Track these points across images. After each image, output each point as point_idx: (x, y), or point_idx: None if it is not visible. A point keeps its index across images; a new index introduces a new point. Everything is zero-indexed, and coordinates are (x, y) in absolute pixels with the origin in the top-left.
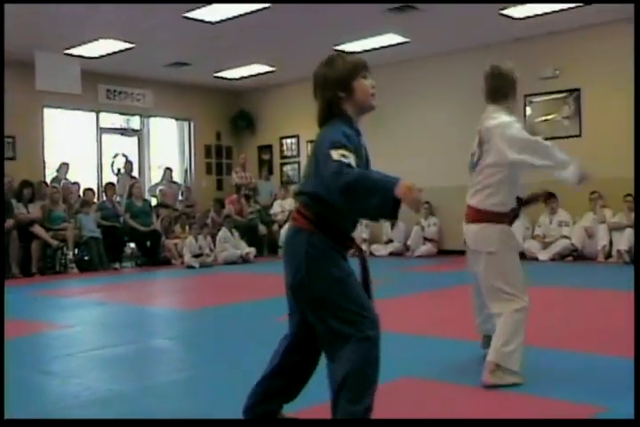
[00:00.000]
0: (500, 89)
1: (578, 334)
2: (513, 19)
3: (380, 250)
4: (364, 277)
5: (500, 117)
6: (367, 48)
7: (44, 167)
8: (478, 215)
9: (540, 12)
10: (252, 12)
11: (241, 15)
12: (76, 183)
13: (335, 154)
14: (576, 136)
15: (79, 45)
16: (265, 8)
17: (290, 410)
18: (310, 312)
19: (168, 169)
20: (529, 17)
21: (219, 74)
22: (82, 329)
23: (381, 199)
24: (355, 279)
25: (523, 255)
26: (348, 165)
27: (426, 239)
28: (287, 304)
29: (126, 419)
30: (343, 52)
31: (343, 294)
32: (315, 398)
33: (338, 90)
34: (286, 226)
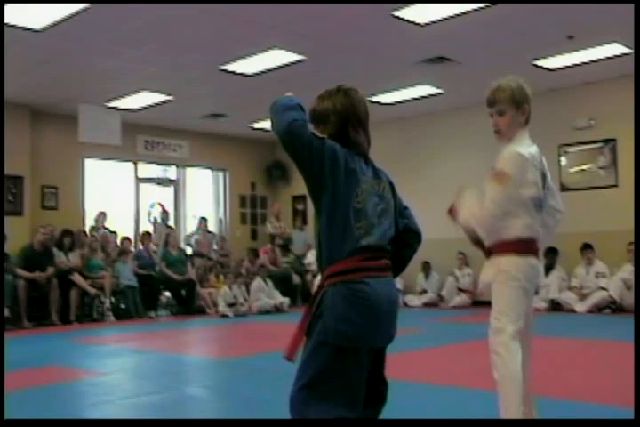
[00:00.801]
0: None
1: (616, 388)
2: (547, 69)
3: (414, 300)
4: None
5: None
6: (400, 99)
7: (84, 216)
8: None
9: (575, 63)
10: (288, 65)
11: (275, 68)
12: (113, 232)
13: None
14: (613, 186)
15: (120, 98)
16: (299, 61)
17: None
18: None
19: (203, 219)
20: (563, 68)
21: (254, 125)
22: (119, 377)
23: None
24: None
25: (559, 307)
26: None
27: (460, 290)
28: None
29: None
30: (378, 103)
31: None
32: None
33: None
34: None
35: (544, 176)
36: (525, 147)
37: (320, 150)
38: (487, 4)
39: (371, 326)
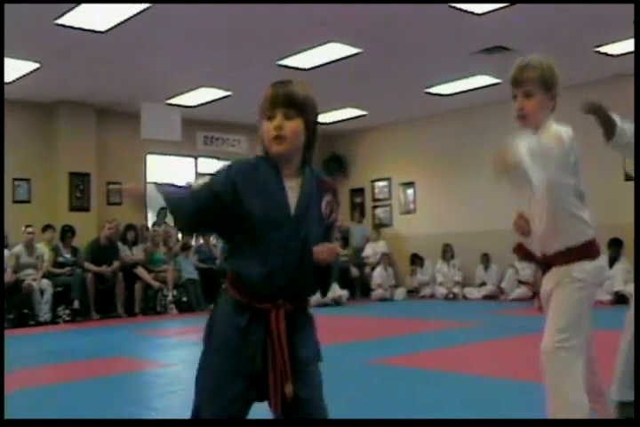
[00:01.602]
0: None
1: None
2: (611, 56)
3: (474, 293)
4: None
5: None
6: (458, 90)
7: (147, 212)
8: None
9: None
10: (344, 58)
11: (333, 61)
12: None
13: None
14: None
15: (180, 95)
16: (357, 53)
17: None
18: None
19: None
20: (627, 53)
21: None
22: (182, 368)
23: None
24: None
25: (623, 299)
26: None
27: (520, 282)
28: None
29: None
30: (435, 94)
31: None
32: None
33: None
34: (378, 269)
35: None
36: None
37: None
38: None
39: None
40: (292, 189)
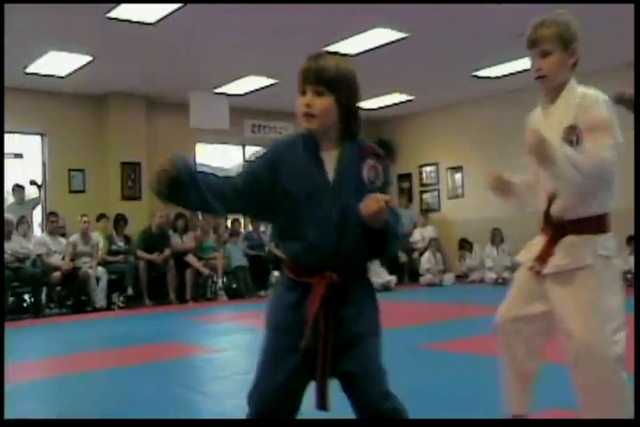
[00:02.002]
0: None
1: None
2: None
3: None
4: None
5: None
6: (505, 73)
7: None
8: None
9: None
10: (390, 43)
11: (379, 46)
12: None
13: None
14: None
15: (227, 83)
16: (403, 38)
17: None
18: None
19: None
20: None
21: (358, 104)
22: (232, 353)
23: None
24: None
25: None
26: None
27: None
28: None
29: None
30: (483, 77)
31: None
32: None
33: None
34: (427, 254)
35: None
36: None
37: None
38: None
39: None
40: (330, 161)
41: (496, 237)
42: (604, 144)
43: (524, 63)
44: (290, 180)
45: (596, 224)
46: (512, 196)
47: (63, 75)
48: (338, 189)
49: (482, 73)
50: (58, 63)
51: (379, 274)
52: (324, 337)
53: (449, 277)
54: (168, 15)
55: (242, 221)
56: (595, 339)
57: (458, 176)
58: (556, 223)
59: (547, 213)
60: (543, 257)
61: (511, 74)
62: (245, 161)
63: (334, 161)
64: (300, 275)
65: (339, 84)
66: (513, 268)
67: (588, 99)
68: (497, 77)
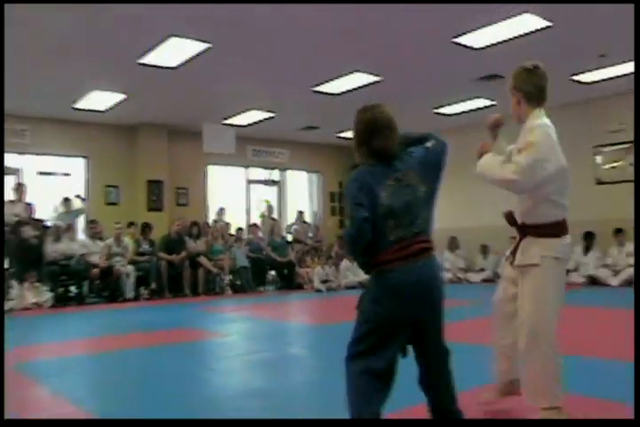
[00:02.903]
0: (544, 90)
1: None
2: (583, 83)
3: (475, 277)
4: None
5: None
6: (461, 111)
7: (207, 211)
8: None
9: (607, 77)
10: (367, 85)
11: (358, 88)
12: (228, 223)
13: None
14: None
15: (234, 116)
16: (377, 81)
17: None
18: (438, 327)
19: (300, 212)
20: (597, 81)
21: (341, 134)
22: (237, 338)
23: None
24: None
25: (595, 282)
26: None
27: None
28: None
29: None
30: (442, 114)
31: None
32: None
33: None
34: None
35: None
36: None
37: (361, 193)
38: (534, 29)
39: (400, 306)
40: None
41: (453, 244)
42: (520, 161)
43: (475, 104)
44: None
45: (545, 230)
46: (496, 141)
47: (103, 109)
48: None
49: (440, 110)
50: (99, 100)
51: (357, 274)
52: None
53: None
54: (186, 62)
55: (244, 229)
56: (539, 323)
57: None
58: (520, 226)
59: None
60: (513, 252)
61: (464, 112)
62: (252, 181)
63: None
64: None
65: None
66: (466, 269)
67: (528, 126)
68: (452, 115)
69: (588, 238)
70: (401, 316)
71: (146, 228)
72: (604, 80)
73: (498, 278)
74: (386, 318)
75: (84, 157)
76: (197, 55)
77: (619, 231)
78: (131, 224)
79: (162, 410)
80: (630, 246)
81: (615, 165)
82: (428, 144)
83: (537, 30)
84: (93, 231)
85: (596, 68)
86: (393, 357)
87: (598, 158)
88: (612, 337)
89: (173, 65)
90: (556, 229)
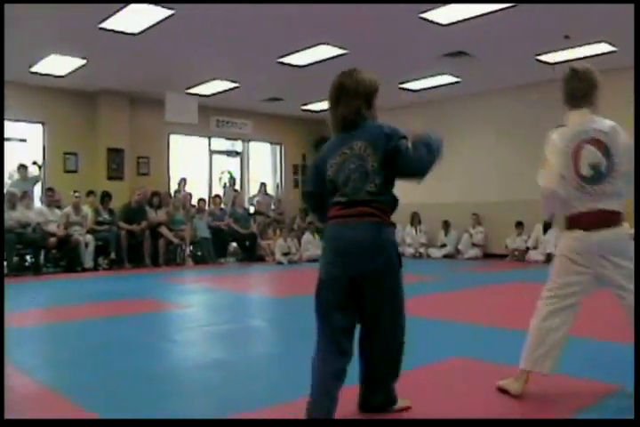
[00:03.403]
0: (575, 91)
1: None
2: (547, 63)
3: (436, 253)
4: None
5: (607, 121)
6: (426, 86)
7: (169, 181)
8: (618, 218)
9: (571, 58)
10: (333, 58)
11: (323, 60)
12: (190, 194)
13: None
14: None
15: (197, 85)
16: (343, 54)
17: None
18: (378, 292)
19: (263, 184)
20: (561, 62)
21: (305, 107)
22: (197, 309)
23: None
24: None
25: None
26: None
27: (474, 245)
28: (332, 300)
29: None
30: (407, 89)
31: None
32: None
33: (363, 101)
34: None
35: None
36: (562, 129)
37: (311, 169)
38: (501, 8)
39: (338, 260)
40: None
41: (415, 219)
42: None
43: (440, 80)
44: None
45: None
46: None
47: (62, 74)
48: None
49: (406, 86)
50: (58, 64)
51: (319, 247)
52: None
53: None
54: (150, 28)
55: (206, 199)
56: None
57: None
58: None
59: None
60: None
61: (431, 88)
62: (215, 151)
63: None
64: None
65: None
66: (427, 244)
67: None
68: (417, 90)
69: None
70: (337, 267)
71: (105, 197)
72: (568, 61)
73: (458, 254)
74: (326, 268)
75: (41, 122)
76: (160, 22)
77: None
78: (90, 193)
79: (121, 382)
80: None
81: None
82: (408, 143)
83: (503, 9)
84: (51, 199)
85: (561, 49)
86: (352, 315)
87: None
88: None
89: (136, 31)
90: (568, 223)
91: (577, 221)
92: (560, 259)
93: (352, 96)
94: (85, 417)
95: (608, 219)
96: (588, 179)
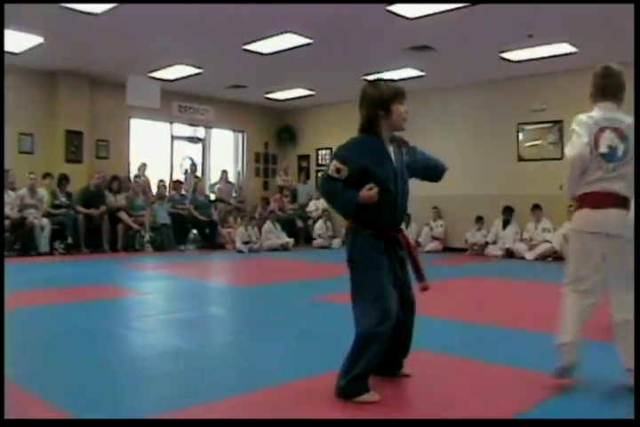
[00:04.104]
0: (606, 87)
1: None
2: (510, 61)
3: None
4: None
5: (629, 117)
6: (389, 79)
7: (129, 166)
8: (624, 202)
9: (533, 57)
10: (297, 47)
11: (288, 49)
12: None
13: (331, 165)
14: (558, 159)
15: (160, 70)
16: (308, 44)
17: None
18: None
19: (224, 171)
20: (523, 60)
21: (268, 95)
22: (155, 296)
23: (338, 209)
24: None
25: (512, 255)
26: (330, 178)
27: (434, 238)
28: None
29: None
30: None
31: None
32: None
33: (378, 109)
34: (319, 221)
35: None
36: (589, 113)
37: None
38: (466, 4)
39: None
40: (392, 153)
41: None
42: None
43: (404, 73)
44: (375, 170)
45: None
46: None
47: (17, 52)
48: (401, 173)
49: (370, 78)
50: (13, 41)
51: (279, 236)
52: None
53: (337, 242)
54: (113, 9)
55: (167, 185)
56: None
57: None
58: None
59: None
60: None
61: (394, 81)
62: (176, 137)
63: (394, 153)
64: (381, 231)
65: None
66: None
67: None
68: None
69: (507, 213)
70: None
71: (63, 180)
72: (531, 60)
73: (418, 247)
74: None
75: None
76: (124, 2)
77: (536, 207)
78: (46, 175)
79: (78, 370)
80: (547, 222)
81: (535, 143)
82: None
83: (468, 5)
84: (4, 181)
85: (525, 47)
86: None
87: (521, 136)
88: (527, 308)
89: (97, 11)
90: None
91: (590, 199)
92: (574, 235)
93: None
94: (43, 408)
95: (619, 201)
96: (605, 155)
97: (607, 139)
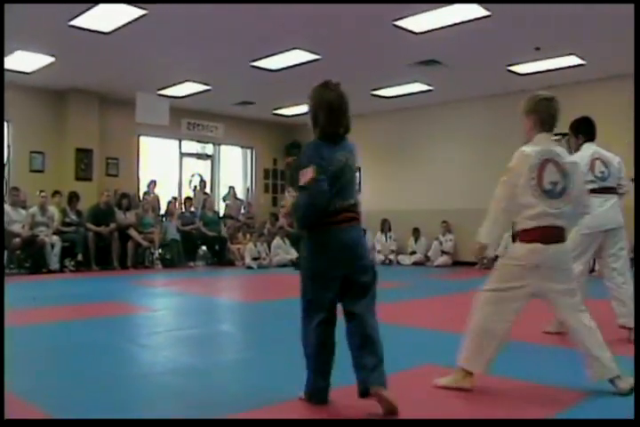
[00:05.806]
0: (547, 119)
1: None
2: (518, 74)
3: (406, 260)
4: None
5: (566, 153)
6: (397, 94)
7: (139, 183)
8: (565, 235)
9: (541, 70)
10: (306, 63)
11: (296, 65)
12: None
13: None
14: None
15: (169, 87)
16: (315, 60)
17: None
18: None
19: (231, 187)
20: (531, 73)
21: (276, 111)
22: (166, 313)
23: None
24: None
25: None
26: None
27: (443, 252)
28: (327, 293)
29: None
30: (379, 96)
31: None
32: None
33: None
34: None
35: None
36: (532, 146)
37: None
38: (474, 17)
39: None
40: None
41: (385, 226)
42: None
43: (412, 88)
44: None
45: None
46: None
47: (28, 71)
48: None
49: (378, 92)
50: (24, 61)
51: (288, 252)
52: None
53: None
54: (121, 27)
55: (176, 202)
56: None
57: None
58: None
59: None
60: None
61: (401, 95)
62: (185, 154)
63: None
64: None
65: None
66: (397, 251)
67: None
68: (390, 97)
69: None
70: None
71: (73, 197)
72: (539, 72)
73: (428, 262)
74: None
75: (6, 120)
76: (132, 21)
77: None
78: (56, 193)
79: (88, 387)
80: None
81: None
82: None
83: (476, 19)
84: (16, 199)
85: (533, 60)
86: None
87: None
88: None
89: (107, 30)
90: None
91: (536, 235)
92: (509, 266)
93: (347, 109)
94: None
95: (562, 235)
96: (548, 192)
97: (550, 174)
